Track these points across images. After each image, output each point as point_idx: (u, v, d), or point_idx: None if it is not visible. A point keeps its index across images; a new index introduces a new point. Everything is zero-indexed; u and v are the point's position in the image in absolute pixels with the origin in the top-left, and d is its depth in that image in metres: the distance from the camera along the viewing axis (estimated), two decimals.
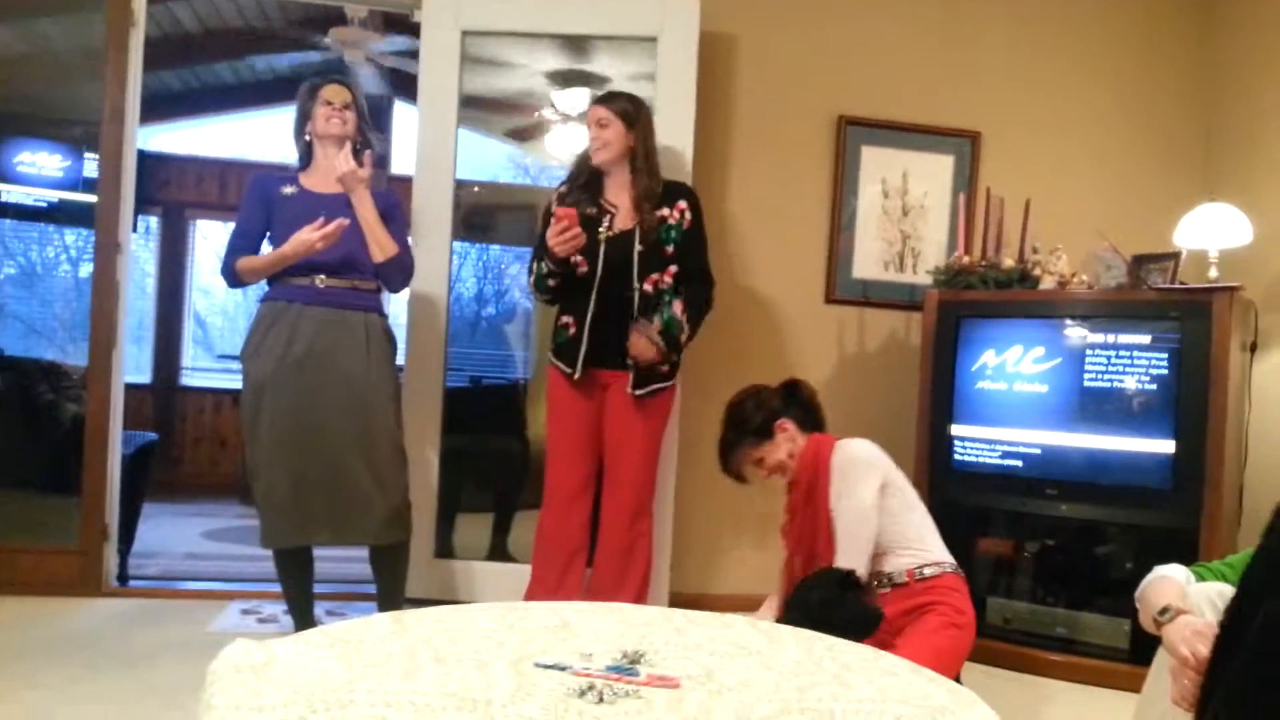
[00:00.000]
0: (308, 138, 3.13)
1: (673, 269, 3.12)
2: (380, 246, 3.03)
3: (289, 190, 3.06)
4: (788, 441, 2.87)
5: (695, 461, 3.92)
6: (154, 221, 7.21)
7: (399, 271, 3.10)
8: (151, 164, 6.83)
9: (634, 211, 3.11)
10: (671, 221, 3.12)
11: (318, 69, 6.77)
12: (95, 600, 3.61)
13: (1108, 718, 2.93)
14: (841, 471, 2.74)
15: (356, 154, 3.05)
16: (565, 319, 3.18)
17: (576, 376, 3.13)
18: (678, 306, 3.10)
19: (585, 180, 3.20)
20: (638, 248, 3.08)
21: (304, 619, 3.10)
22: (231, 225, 3.14)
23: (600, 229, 3.10)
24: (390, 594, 3.08)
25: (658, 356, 3.09)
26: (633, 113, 3.14)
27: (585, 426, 3.18)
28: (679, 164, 3.62)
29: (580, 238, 3.01)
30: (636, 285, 3.09)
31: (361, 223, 3.02)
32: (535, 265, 3.17)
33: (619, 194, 3.17)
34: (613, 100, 3.17)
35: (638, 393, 3.11)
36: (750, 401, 2.93)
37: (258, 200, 3.07)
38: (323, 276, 2.97)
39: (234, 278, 3.05)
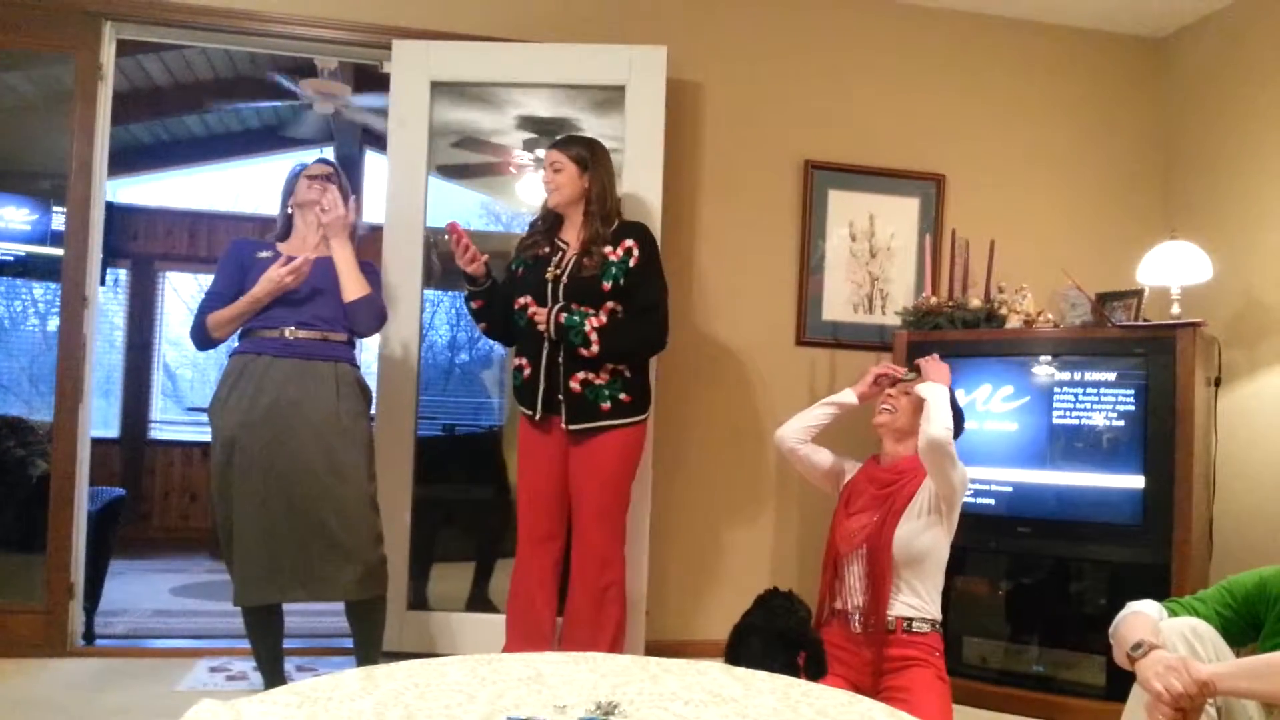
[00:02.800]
0: (289, 210, 3.16)
1: (609, 305, 3.07)
2: (353, 286, 3.03)
3: (265, 255, 3.06)
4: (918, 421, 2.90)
5: (671, 506, 3.92)
6: (123, 274, 7.17)
7: (369, 309, 3.06)
8: (120, 216, 6.80)
9: (572, 261, 3.12)
10: (613, 259, 3.08)
11: (287, 119, 6.81)
12: (61, 660, 3.53)
13: None
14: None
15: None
16: (519, 360, 3.19)
17: (537, 418, 3.12)
18: (592, 321, 3.03)
19: (548, 225, 3.23)
20: (563, 282, 3.07)
21: (274, 676, 3.04)
22: (201, 277, 3.14)
23: (549, 268, 3.11)
24: (367, 648, 3.03)
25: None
26: (587, 157, 3.15)
27: (551, 471, 3.15)
28: (648, 209, 3.65)
29: (475, 252, 3.08)
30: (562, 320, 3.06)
31: (338, 263, 3.03)
32: (464, 303, 3.26)
33: (573, 235, 3.18)
34: (567, 145, 3.18)
35: (572, 428, 3.07)
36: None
37: (234, 264, 3.07)
38: (292, 329, 2.96)
39: (203, 335, 3.04)
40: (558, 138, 3.30)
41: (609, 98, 3.79)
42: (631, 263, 3.09)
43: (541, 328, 3.04)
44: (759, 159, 4.11)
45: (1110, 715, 3.07)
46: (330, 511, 2.88)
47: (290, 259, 2.97)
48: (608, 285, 3.06)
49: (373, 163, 6.94)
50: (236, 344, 3.04)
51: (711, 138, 4.08)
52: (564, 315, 3.02)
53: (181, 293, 7.44)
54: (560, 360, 3.06)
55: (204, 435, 6.48)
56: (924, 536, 2.73)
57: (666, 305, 3.20)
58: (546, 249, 3.16)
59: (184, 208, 7.37)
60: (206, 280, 7.85)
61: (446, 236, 3.15)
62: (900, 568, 2.75)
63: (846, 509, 2.93)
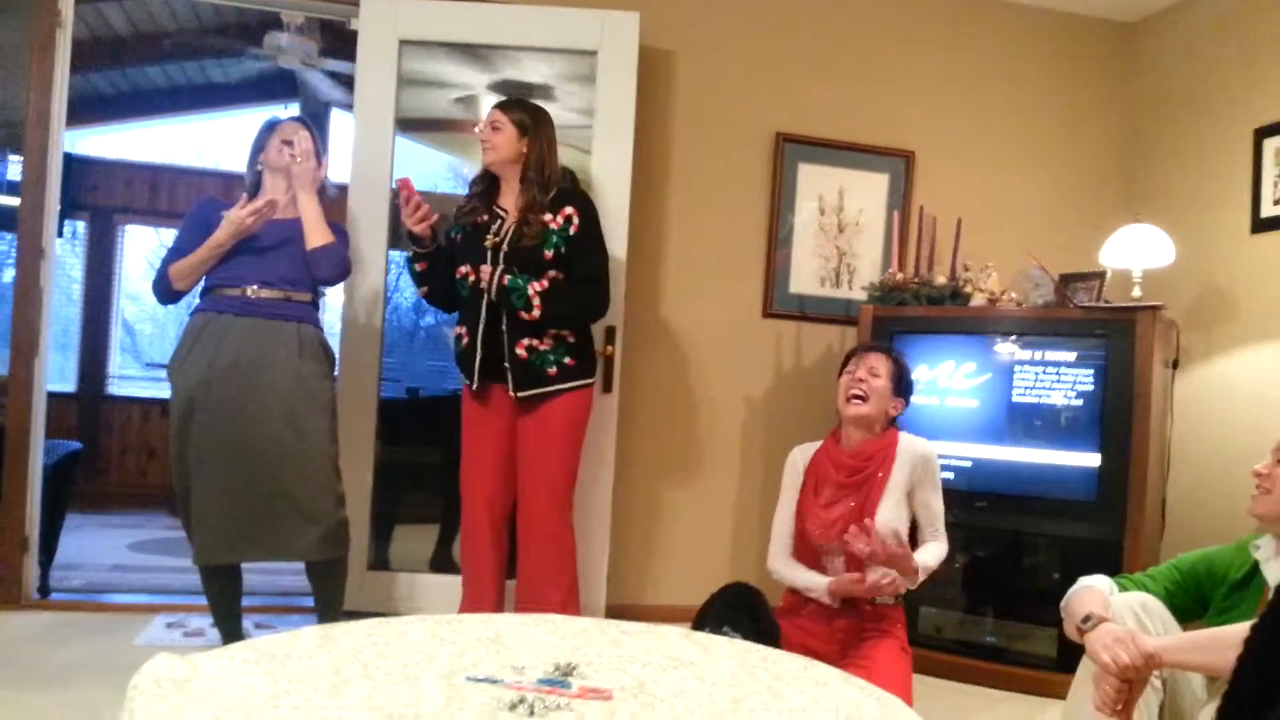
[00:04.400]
0: (259, 168, 3.09)
1: (552, 273, 3.05)
2: (317, 234, 2.98)
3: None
4: (891, 409, 2.81)
5: (633, 472, 3.94)
6: (81, 226, 7.03)
7: (330, 257, 2.99)
8: (79, 168, 6.67)
9: (511, 229, 3.08)
10: (554, 227, 3.05)
11: (253, 75, 6.69)
12: (15, 614, 3.50)
13: None
14: (935, 474, 2.78)
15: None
16: (459, 329, 3.17)
17: (475, 387, 3.11)
18: (535, 285, 3.01)
19: (484, 187, 3.18)
20: (503, 250, 3.05)
21: (232, 634, 3.03)
22: (162, 231, 3.09)
23: (488, 235, 3.09)
24: (329, 608, 3.02)
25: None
26: (528, 122, 3.10)
27: (496, 440, 3.14)
28: (618, 177, 3.64)
29: (426, 210, 3.02)
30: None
31: (303, 213, 2.98)
32: (406, 264, 3.20)
33: (510, 202, 3.14)
34: (509, 107, 3.13)
35: (519, 395, 3.06)
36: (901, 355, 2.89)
37: (199, 222, 3.00)
38: (254, 287, 2.92)
39: (165, 286, 2.98)
40: (503, 99, 3.26)
41: (589, 68, 3.76)
42: (571, 230, 3.06)
43: (484, 287, 3.01)
44: (730, 130, 4.10)
45: (1060, 685, 3.13)
46: (291, 473, 2.86)
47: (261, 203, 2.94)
48: (549, 254, 3.03)
49: (339, 121, 6.84)
50: (197, 302, 3.00)
51: (683, 107, 4.06)
52: (507, 278, 2.99)
53: (141, 247, 7.32)
54: (503, 328, 3.04)
55: (163, 392, 6.40)
56: (897, 518, 2.71)
57: (607, 273, 3.17)
58: (485, 216, 3.12)
59: (145, 161, 7.23)
60: (168, 235, 7.73)
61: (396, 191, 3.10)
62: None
63: (816, 497, 2.80)
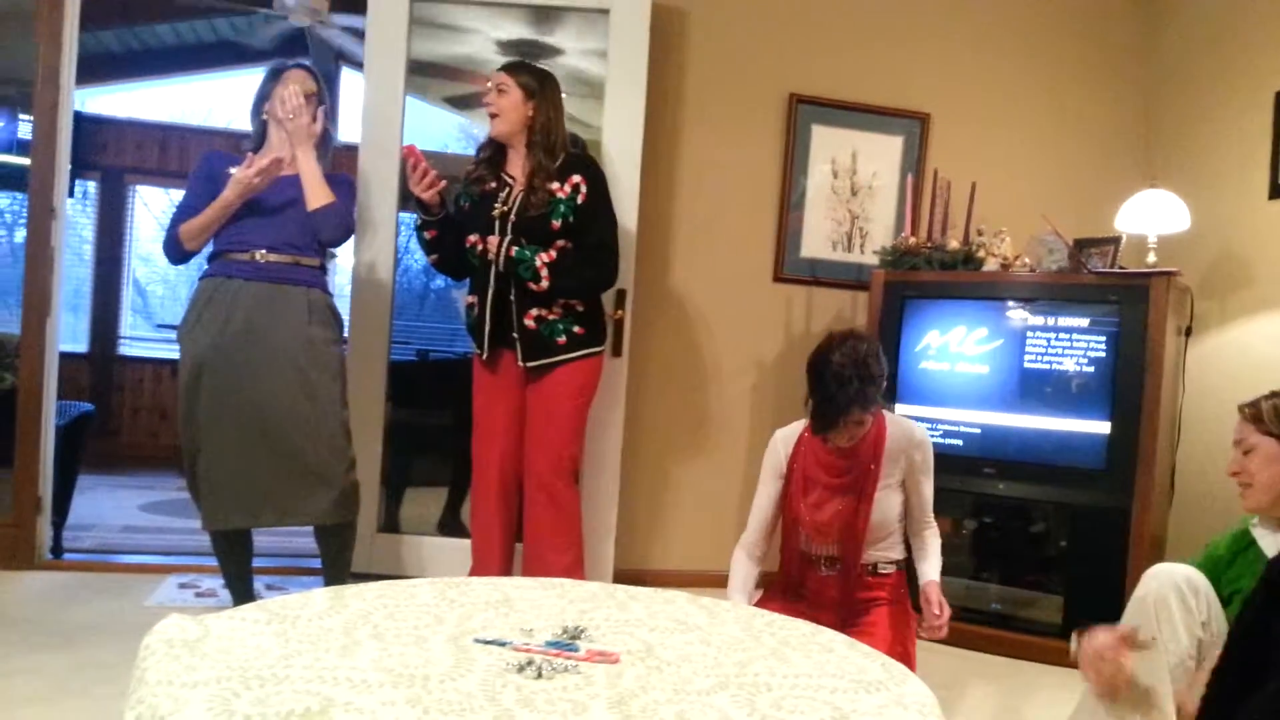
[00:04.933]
0: (264, 118, 3.05)
1: (560, 243, 3.03)
2: (316, 194, 2.95)
3: (234, 171, 2.97)
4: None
5: (641, 437, 3.94)
6: (92, 186, 7.03)
7: (331, 217, 2.97)
8: (89, 127, 6.64)
9: (520, 196, 3.05)
10: (561, 196, 3.02)
11: (264, 33, 6.64)
12: (28, 573, 3.54)
13: (1039, 692, 2.99)
14: (929, 462, 2.61)
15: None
16: (470, 298, 3.16)
17: (485, 356, 3.12)
18: (542, 256, 3.00)
19: (490, 154, 3.15)
20: (511, 219, 3.03)
21: (243, 596, 3.06)
22: (173, 191, 3.08)
23: (496, 204, 3.06)
24: (336, 571, 3.04)
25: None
26: (534, 86, 3.06)
27: (507, 408, 3.15)
28: (630, 137, 3.61)
29: (434, 177, 2.99)
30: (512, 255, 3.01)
31: (301, 172, 2.95)
32: (415, 232, 3.17)
33: (518, 169, 3.11)
34: (516, 70, 3.09)
35: (528, 365, 3.06)
36: (869, 349, 2.46)
37: (204, 177, 2.99)
38: (263, 251, 2.91)
39: (176, 247, 2.97)
40: (509, 60, 3.22)
41: (601, 26, 3.72)
42: (580, 199, 3.03)
43: (491, 258, 3.00)
44: (743, 90, 4.06)
45: (1065, 653, 3.16)
46: (302, 437, 2.87)
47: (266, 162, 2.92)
48: (557, 224, 3.01)
49: (349, 81, 6.79)
50: (206, 266, 2.99)
51: (695, 66, 4.02)
52: (514, 249, 2.99)
53: (152, 207, 7.31)
54: (511, 297, 3.03)
55: (175, 353, 6.42)
56: (891, 507, 2.64)
57: (616, 241, 3.15)
58: (493, 184, 3.10)
59: (155, 120, 7.20)
60: (178, 195, 7.70)
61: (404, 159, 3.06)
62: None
63: (805, 496, 2.61)
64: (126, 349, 7.17)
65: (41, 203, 3.58)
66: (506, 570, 3.19)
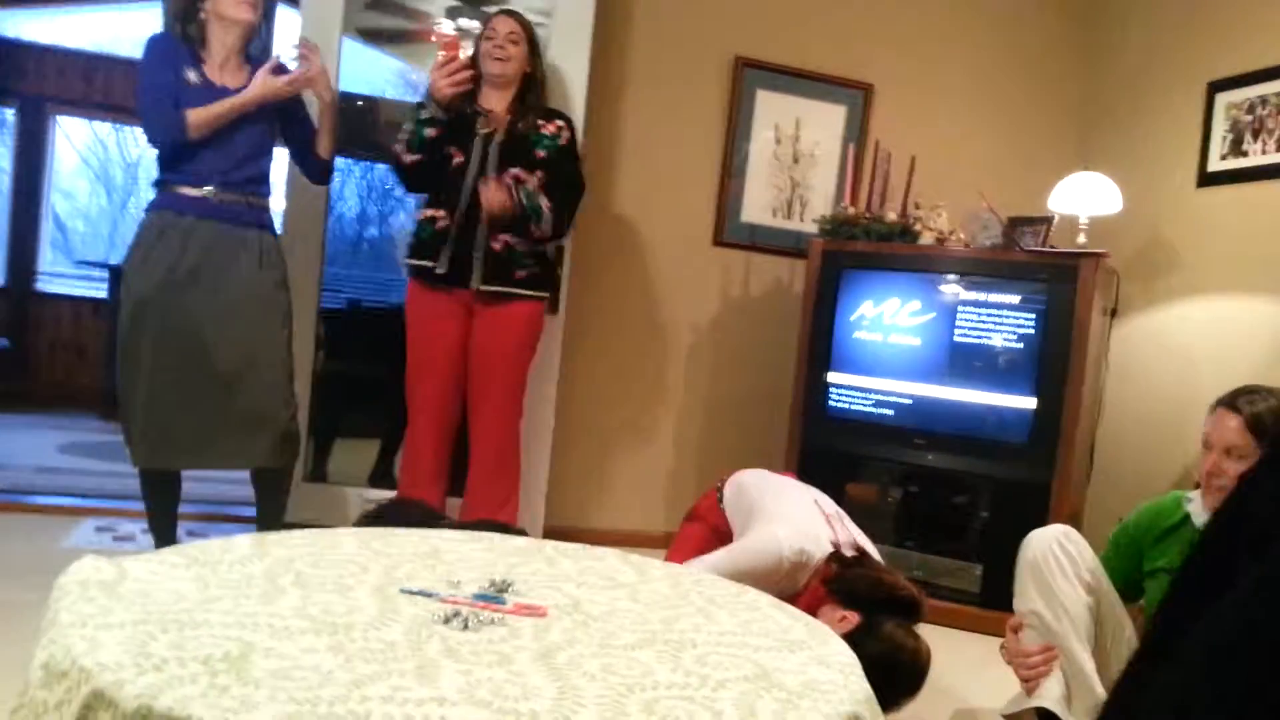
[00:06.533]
0: (202, 16, 2.86)
1: (539, 174, 3.06)
2: (329, 144, 3.05)
3: (193, 78, 2.83)
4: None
5: (576, 393, 3.93)
6: (10, 115, 6.74)
7: (328, 171, 3.13)
8: (8, 51, 6.36)
9: (507, 120, 3.08)
10: (546, 132, 3.09)
11: None
12: None
13: (957, 658, 3.07)
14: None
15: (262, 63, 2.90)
16: (434, 212, 3.08)
17: (439, 270, 3.02)
18: (534, 183, 3.05)
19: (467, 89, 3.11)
20: (498, 138, 3.04)
21: (166, 539, 3.00)
22: (97, 124, 2.96)
23: (478, 126, 3.05)
24: (271, 517, 3.02)
25: (510, 206, 2.97)
26: (535, 38, 3.17)
27: (450, 339, 3.09)
28: (573, 90, 3.56)
29: (466, 76, 2.97)
30: (492, 175, 3.00)
31: (324, 116, 3.02)
32: (412, 123, 3.05)
33: (496, 105, 3.11)
34: (523, 20, 3.13)
35: (484, 288, 3.03)
36: None
37: (164, 63, 2.82)
38: (215, 189, 2.83)
39: (177, 131, 2.76)
40: (506, 8, 3.20)
41: None
42: (561, 141, 3.10)
43: (496, 204, 2.95)
44: (690, 50, 4.03)
45: (983, 621, 3.25)
46: (250, 380, 2.85)
47: (279, 68, 2.89)
48: (540, 154, 3.06)
49: (283, 19, 6.59)
50: (154, 197, 2.89)
51: (642, 23, 3.97)
52: (523, 191, 3.00)
53: (75, 139, 7.05)
54: (481, 217, 3.00)
55: (95, 290, 6.22)
56: None
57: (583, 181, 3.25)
58: (469, 108, 3.07)
59: (81, 48, 6.92)
60: (103, 129, 7.43)
61: (435, 43, 3.03)
62: None
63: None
64: (45, 285, 6.92)
65: None
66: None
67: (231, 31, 2.87)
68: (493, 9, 3.31)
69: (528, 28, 3.12)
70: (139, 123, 2.87)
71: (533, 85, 3.14)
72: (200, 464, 2.92)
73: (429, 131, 3.01)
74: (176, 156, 2.83)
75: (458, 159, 3.02)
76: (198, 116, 2.78)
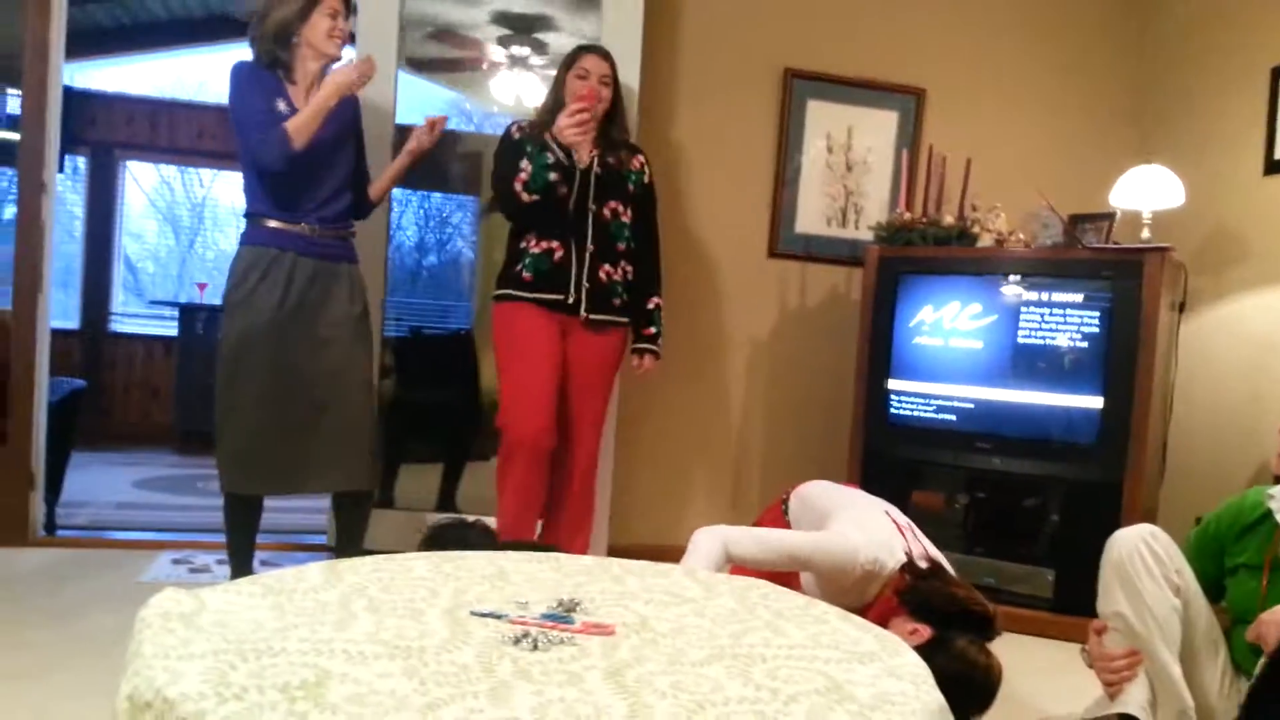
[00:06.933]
0: (295, 41, 2.93)
1: (631, 209, 3.18)
2: (388, 189, 3.25)
3: (282, 107, 2.90)
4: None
5: (637, 412, 3.94)
6: (82, 162, 6.97)
7: (370, 210, 3.26)
8: (79, 102, 6.59)
9: (595, 154, 3.12)
10: (632, 168, 3.20)
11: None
12: (22, 550, 3.54)
13: (1030, 664, 3.01)
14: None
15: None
16: (547, 243, 3.09)
17: (569, 301, 3.08)
18: (653, 303, 3.29)
19: (542, 125, 3.15)
20: (595, 170, 3.10)
21: (244, 565, 3.06)
22: (164, 167, 3.05)
23: (575, 160, 3.10)
24: (352, 542, 3.09)
25: (431, 145, 3.16)
26: (618, 75, 3.23)
27: (554, 367, 3.09)
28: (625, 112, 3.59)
29: (592, 127, 3.04)
30: (593, 208, 3.09)
31: (403, 159, 3.18)
32: (528, 163, 3.06)
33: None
34: (613, 61, 3.19)
35: (593, 316, 3.11)
36: None
37: (257, 90, 2.90)
38: (315, 225, 2.94)
39: (283, 146, 2.81)
40: (594, 45, 3.26)
41: None
42: (646, 179, 3.24)
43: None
44: (738, 64, 4.04)
45: (1056, 626, 3.19)
46: (339, 406, 2.96)
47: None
48: (631, 188, 3.17)
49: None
50: (247, 230, 2.97)
51: (690, 39, 3.99)
52: (609, 212, 3.15)
53: (143, 183, 7.26)
54: (589, 247, 3.10)
55: (166, 329, 6.36)
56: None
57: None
58: (557, 148, 3.09)
59: (146, 94, 7.15)
60: (170, 171, 7.64)
61: (572, 92, 3.09)
62: None
63: None
64: (118, 325, 7.14)
65: (31, 178, 3.56)
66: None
67: (318, 61, 2.97)
68: (543, 35, 3.37)
69: (616, 66, 3.19)
70: (241, 150, 2.91)
71: (615, 118, 3.20)
72: (292, 489, 2.99)
73: (552, 176, 3.06)
74: (275, 185, 2.91)
75: (562, 191, 3.07)
76: (294, 125, 2.83)
